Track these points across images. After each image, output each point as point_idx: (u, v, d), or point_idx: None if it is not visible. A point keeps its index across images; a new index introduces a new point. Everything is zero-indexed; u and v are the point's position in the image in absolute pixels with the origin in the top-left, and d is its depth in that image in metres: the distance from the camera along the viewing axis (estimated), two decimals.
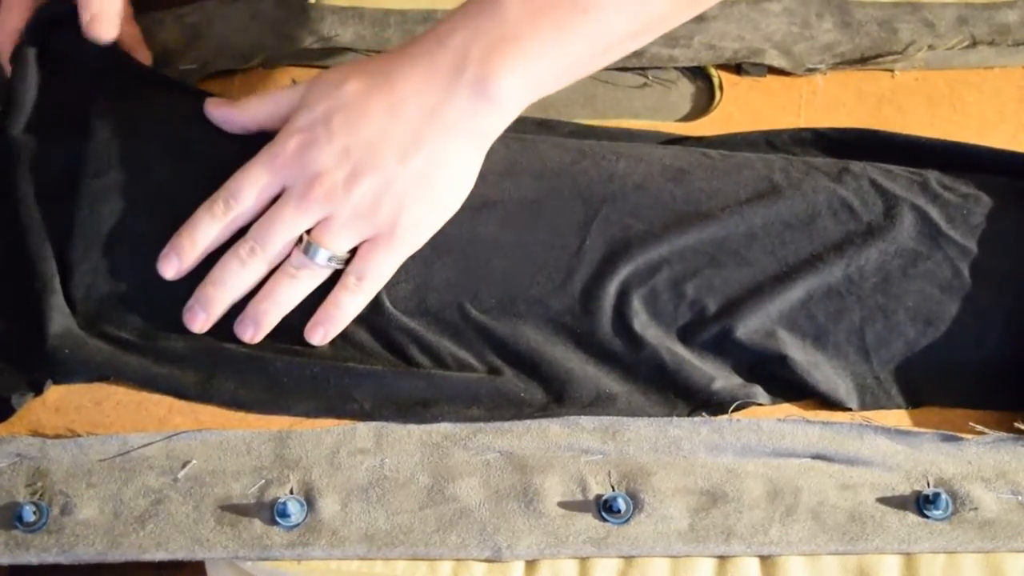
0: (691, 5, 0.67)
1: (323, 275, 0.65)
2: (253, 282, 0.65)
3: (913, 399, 0.67)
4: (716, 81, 0.81)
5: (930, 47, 0.81)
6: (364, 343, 0.66)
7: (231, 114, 0.68)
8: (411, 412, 0.64)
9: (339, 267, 0.64)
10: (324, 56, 0.80)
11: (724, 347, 0.67)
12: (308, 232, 0.64)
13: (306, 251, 0.64)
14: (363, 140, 0.63)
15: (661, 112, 0.80)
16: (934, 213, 0.69)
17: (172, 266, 0.65)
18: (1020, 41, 0.82)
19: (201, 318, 0.65)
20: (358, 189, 0.63)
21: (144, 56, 0.75)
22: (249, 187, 0.64)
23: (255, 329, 0.65)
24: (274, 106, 0.67)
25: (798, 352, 0.66)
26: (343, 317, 0.65)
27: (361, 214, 0.63)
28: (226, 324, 0.66)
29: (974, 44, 0.82)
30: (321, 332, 0.65)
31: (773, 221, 0.68)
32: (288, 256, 0.64)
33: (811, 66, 0.80)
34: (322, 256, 0.64)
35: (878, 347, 0.67)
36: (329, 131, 0.63)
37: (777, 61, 0.80)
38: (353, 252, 0.65)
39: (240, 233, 0.65)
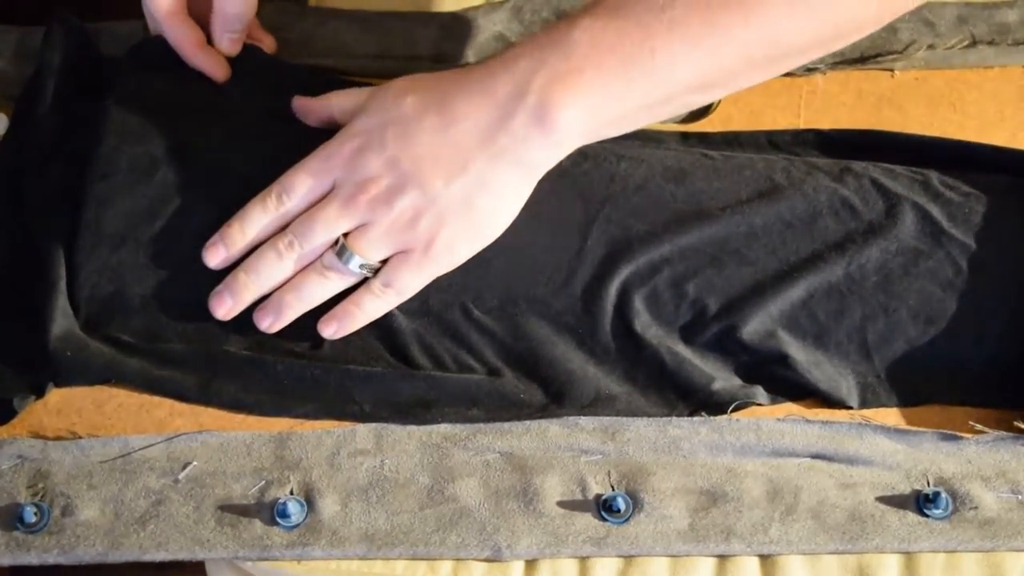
0: (766, 66, 0.64)
1: (352, 280, 0.65)
2: (285, 276, 0.65)
3: (914, 397, 0.67)
4: None
5: (930, 47, 0.81)
6: (365, 344, 0.66)
7: (309, 105, 0.70)
8: (411, 414, 0.65)
9: (368, 275, 0.64)
10: (327, 60, 0.80)
11: (725, 346, 0.67)
12: (345, 236, 0.64)
13: (339, 254, 0.64)
14: (412, 155, 0.63)
15: None
16: (936, 212, 0.69)
17: (219, 254, 0.65)
18: (1020, 40, 0.82)
19: (228, 304, 0.65)
20: (400, 202, 0.63)
21: (268, 44, 0.77)
22: (302, 183, 0.65)
23: (275, 318, 0.65)
24: (345, 100, 0.68)
25: (799, 351, 0.66)
26: (361, 318, 0.65)
27: (399, 227, 0.63)
28: (230, 326, 0.66)
29: (974, 43, 0.81)
30: (334, 327, 0.65)
31: (774, 220, 0.68)
32: (321, 255, 0.65)
33: (811, 66, 0.80)
34: (354, 262, 0.64)
35: (879, 346, 0.67)
36: (382, 140, 0.64)
37: None
38: (384, 261, 0.65)
39: None
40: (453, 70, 0.66)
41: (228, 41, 0.72)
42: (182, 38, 0.71)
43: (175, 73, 0.72)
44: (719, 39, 0.61)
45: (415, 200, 0.63)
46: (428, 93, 0.64)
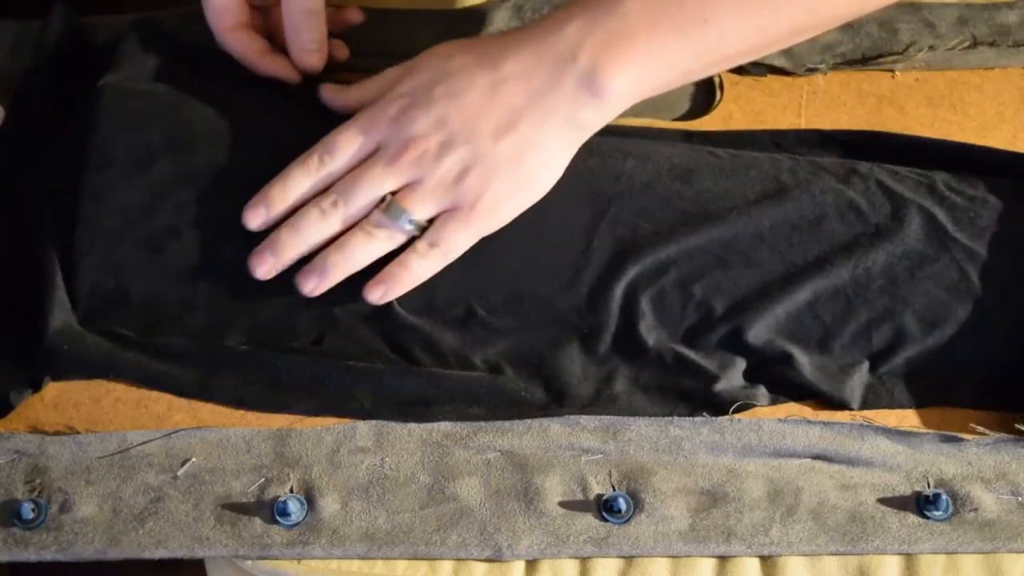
0: (806, 32, 0.66)
1: (399, 239, 0.64)
2: (328, 235, 0.64)
3: (917, 400, 0.67)
4: (716, 80, 0.80)
5: (930, 47, 0.81)
6: (367, 340, 0.66)
7: (340, 95, 0.69)
8: (412, 411, 0.64)
9: (416, 233, 0.64)
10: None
11: (731, 348, 0.67)
12: (392, 194, 0.64)
13: (387, 211, 0.63)
14: (461, 112, 0.63)
15: (662, 111, 0.80)
16: (941, 215, 0.69)
17: (259, 215, 0.64)
18: (1020, 42, 0.82)
19: (270, 262, 0.64)
20: (448, 159, 0.63)
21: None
22: (345, 144, 0.64)
23: (319, 279, 0.64)
24: (382, 83, 0.68)
25: (803, 353, 0.66)
26: (408, 280, 0.64)
27: (447, 184, 0.63)
28: (229, 321, 0.66)
29: (974, 44, 0.82)
30: (382, 290, 0.64)
31: (781, 222, 0.68)
32: (368, 215, 0.64)
33: (811, 66, 0.80)
34: (403, 219, 0.63)
35: (883, 348, 0.67)
36: (429, 99, 0.64)
37: (778, 61, 0.80)
38: (431, 222, 0.64)
39: None
40: (495, 35, 0.66)
41: (303, 15, 0.70)
42: (247, 48, 0.71)
43: (171, 64, 0.71)
44: (770, 11, 0.62)
45: (464, 156, 0.63)
46: (476, 53, 0.64)
